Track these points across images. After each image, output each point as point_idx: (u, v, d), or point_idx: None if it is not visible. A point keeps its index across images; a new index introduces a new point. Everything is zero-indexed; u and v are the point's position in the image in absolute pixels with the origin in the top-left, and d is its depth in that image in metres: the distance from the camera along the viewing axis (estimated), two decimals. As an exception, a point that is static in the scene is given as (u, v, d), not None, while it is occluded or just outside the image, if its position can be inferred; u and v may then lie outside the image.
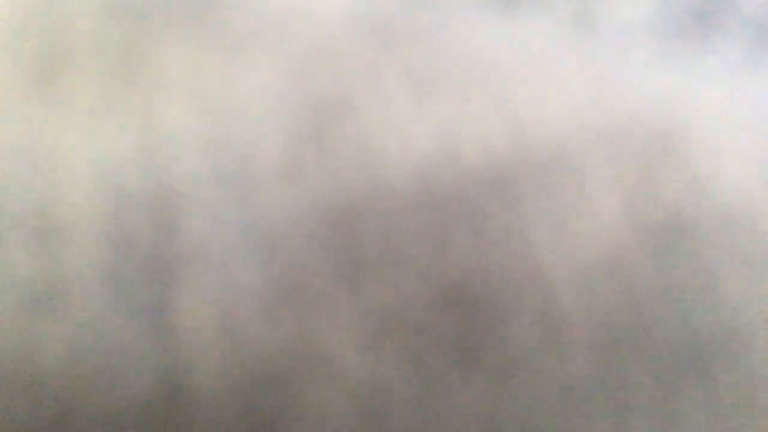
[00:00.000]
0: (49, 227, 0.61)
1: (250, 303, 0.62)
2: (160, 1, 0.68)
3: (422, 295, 0.63)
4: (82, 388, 0.58)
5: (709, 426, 0.63)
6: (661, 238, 0.67)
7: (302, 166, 0.67)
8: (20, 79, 0.64)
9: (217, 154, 0.65)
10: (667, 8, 0.72)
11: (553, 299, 0.65)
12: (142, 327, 0.60)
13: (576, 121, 0.69)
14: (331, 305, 0.63)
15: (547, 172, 0.68)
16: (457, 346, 0.63)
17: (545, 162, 0.69)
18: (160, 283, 0.62)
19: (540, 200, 0.67)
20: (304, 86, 0.66)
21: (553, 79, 0.70)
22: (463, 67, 0.69)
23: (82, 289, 0.60)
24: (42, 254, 0.61)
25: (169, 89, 0.66)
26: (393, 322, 0.63)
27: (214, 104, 0.66)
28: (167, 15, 0.67)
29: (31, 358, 0.59)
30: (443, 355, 0.63)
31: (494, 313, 0.64)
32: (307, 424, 0.60)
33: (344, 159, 0.67)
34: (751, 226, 0.65)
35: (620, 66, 0.71)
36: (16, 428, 0.57)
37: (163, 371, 0.60)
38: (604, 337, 0.65)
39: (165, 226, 0.64)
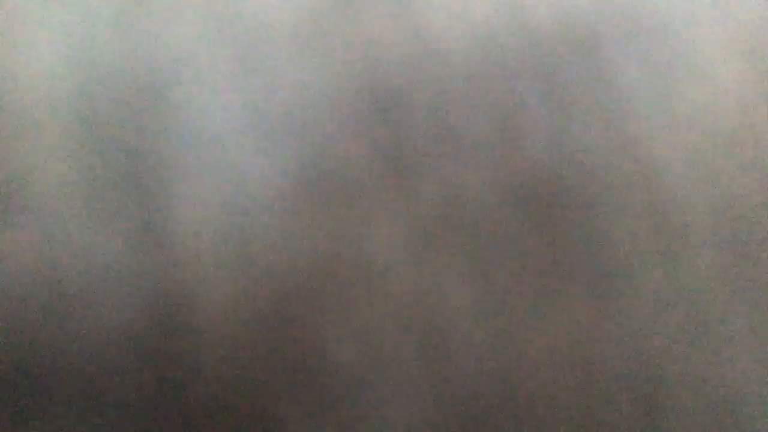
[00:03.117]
0: (10, 110, 0.48)
1: (265, 205, 0.48)
2: None
3: (485, 191, 0.49)
4: (52, 317, 0.46)
5: None
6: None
7: (329, 32, 0.53)
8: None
9: (221, 17, 0.51)
10: None
11: (664, 188, 0.51)
12: (124, 242, 0.47)
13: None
14: (373, 205, 0.48)
15: (640, 32, 0.54)
16: (533, 255, 0.49)
17: (636, 18, 0.55)
18: (145, 185, 0.48)
19: (631, 64, 0.53)
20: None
21: None
22: None
23: (44, 193, 0.47)
24: None
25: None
26: (449, 225, 0.49)
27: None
28: None
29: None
30: (515, 266, 0.49)
31: (584, 212, 0.50)
32: (349, 349, 0.46)
33: (382, 24, 0.53)
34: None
35: None
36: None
37: (155, 297, 0.46)
38: (728, 232, 0.50)
39: (149, 110, 0.50)
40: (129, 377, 0.48)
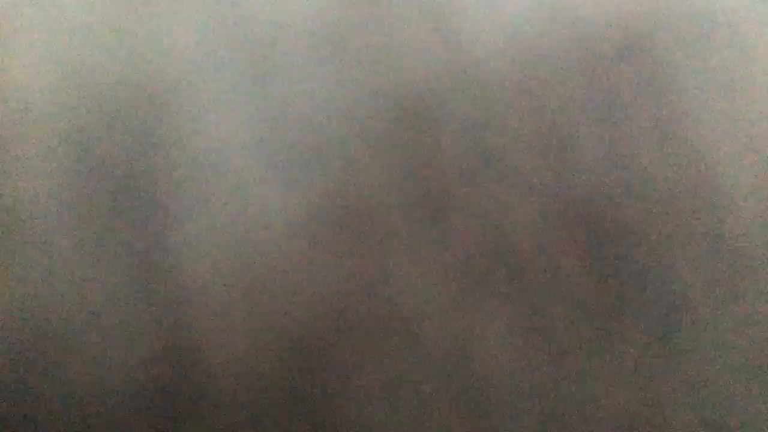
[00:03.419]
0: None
1: (278, 238, 0.42)
2: None
3: (531, 222, 0.43)
4: (43, 368, 0.40)
5: None
6: None
7: (350, 37, 0.46)
8: None
9: (230, 20, 0.45)
10: None
11: (730, 212, 0.45)
12: (121, 282, 0.41)
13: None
14: (402, 240, 0.42)
15: (701, 33, 0.48)
16: (587, 295, 0.44)
17: (695, 18, 0.48)
18: (143, 214, 0.42)
19: (691, 69, 0.46)
20: None
21: None
22: None
23: (35, 220, 0.41)
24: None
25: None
26: (490, 264, 0.43)
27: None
28: None
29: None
30: (566, 310, 0.43)
31: (644, 243, 0.44)
32: (375, 407, 0.40)
33: (409, 29, 0.47)
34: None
35: None
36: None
37: (156, 349, 0.40)
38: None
39: (148, 125, 0.43)
40: (130, 429, 0.42)
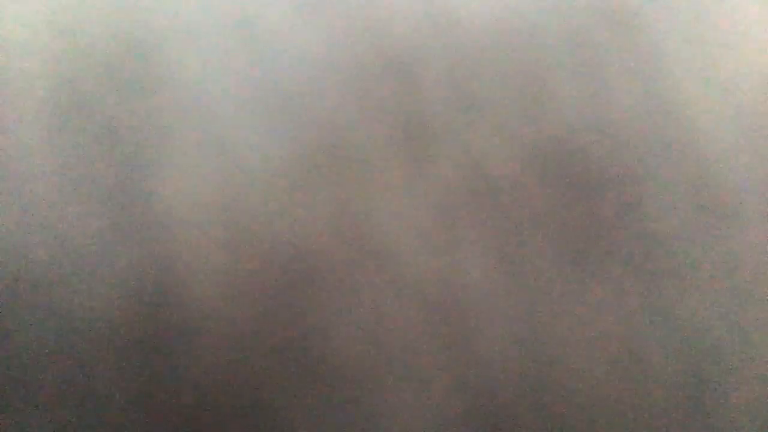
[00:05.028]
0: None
1: (262, 182, 0.44)
2: None
3: (509, 163, 0.44)
4: (27, 305, 0.41)
5: None
6: None
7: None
8: None
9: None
10: None
11: (708, 156, 0.46)
12: (106, 224, 0.42)
13: None
14: (383, 180, 0.43)
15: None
16: (565, 231, 0.45)
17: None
18: (129, 160, 0.44)
19: (667, 30, 0.48)
20: None
21: None
22: None
23: (20, 171, 0.43)
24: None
25: None
26: (469, 201, 0.44)
27: None
28: None
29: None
30: (545, 245, 0.44)
31: (621, 183, 0.45)
32: (356, 339, 0.41)
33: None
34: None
35: None
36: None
37: (139, 283, 0.42)
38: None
39: (135, 78, 0.45)
40: (111, 369, 0.43)
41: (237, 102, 0.47)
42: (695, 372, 0.46)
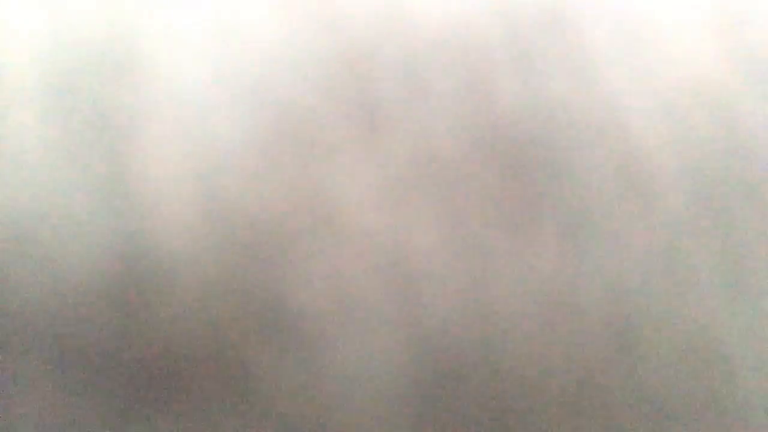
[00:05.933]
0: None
1: (235, 156, 0.49)
2: None
3: (455, 142, 0.50)
4: (17, 262, 0.46)
5: None
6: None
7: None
8: None
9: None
10: None
11: (633, 133, 0.51)
12: (93, 190, 0.47)
13: None
14: (343, 157, 0.49)
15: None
16: (503, 199, 0.50)
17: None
18: (115, 136, 0.49)
19: (599, 25, 0.53)
20: None
21: None
22: None
23: (13, 140, 0.48)
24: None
25: None
26: (419, 173, 0.49)
27: None
28: None
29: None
30: (485, 210, 0.49)
31: (554, 159, 0.50)
32: (317, 292, 0.46)
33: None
34: None
35: None
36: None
37: (123, 244, 0.46)
38: (695, 175, 0.51)
39: (123, 64, 0.50)
40: (96, 324, 0.48)
41: (212, 91, 0.52)
42: (621, 314, 0.50)
